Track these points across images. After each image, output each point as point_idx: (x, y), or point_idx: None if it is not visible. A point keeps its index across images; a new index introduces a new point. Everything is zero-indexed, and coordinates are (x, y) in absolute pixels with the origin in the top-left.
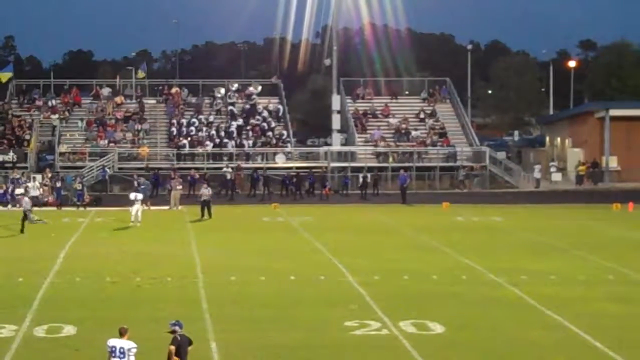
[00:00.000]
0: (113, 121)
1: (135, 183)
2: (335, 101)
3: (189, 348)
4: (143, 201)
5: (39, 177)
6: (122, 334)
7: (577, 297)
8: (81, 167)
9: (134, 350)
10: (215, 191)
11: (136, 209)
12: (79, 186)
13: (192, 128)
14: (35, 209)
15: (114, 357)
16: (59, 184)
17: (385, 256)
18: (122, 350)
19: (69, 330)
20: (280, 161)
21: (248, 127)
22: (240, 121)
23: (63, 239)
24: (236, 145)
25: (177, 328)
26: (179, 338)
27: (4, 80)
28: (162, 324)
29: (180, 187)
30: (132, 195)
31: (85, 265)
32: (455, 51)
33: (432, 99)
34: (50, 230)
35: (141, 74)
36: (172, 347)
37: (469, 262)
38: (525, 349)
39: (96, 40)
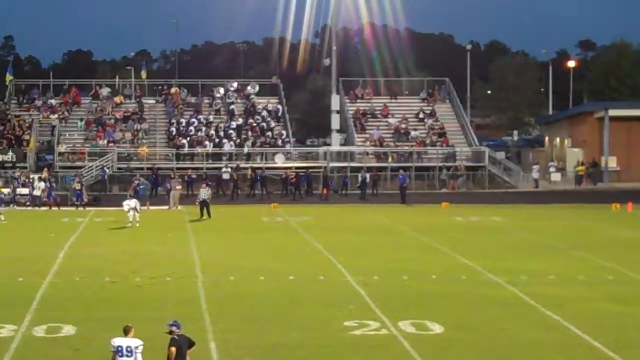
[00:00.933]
0: (112, 121)
1: (136, 182)
2: (335, 101)
3: (192, 349)
4: (142, 201)
5: (38, 176)
6: (126, 332)
7: (577, 297)
8: (80, 167)
9: (141, 347)
10: (214, 191)
11: (132, 214)
12: (77, 186)
13: (192, 128)
14: (40, 209)
15: (121, 356)
16: (53, 184)
17: (385, 256)
18: (129, 348)
19: (68, 330)
20: (279, 161)
21: (247, 127)
22: (239, 121)
23: (62, 239)
24: (235, 145)
25: (174, 328)
26: (177, 339)
27: (8, 80)
28: (162, 323)
29: (180, 187)
30: (126, 207)
31: (84, 265)
32: (455, 51)
33: (431, 99)
34: (49, 230)
35: (144, 73)
36: (173, 349)
37: (468, 262)
38: (524, 349)
39: (95, 40)
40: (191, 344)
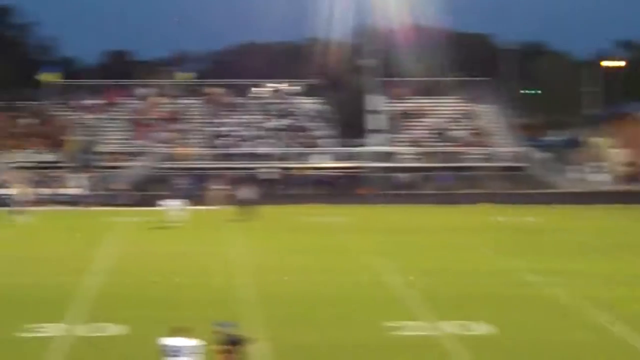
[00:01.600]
0: (153, 121)
1: (176, 183)
2: (375, 101)
3: (243, 348)
4: (185, 202)
5: (77, 176)
6: (179, 332)
7: (620, 298)
8: (121, 167)
9: (195, 348)
10: (257, 191)
11: (173, 213)
12: (119, 186)
13: (232, 128)
14: (79, 208)
15: (171, 356)
16: (93, 184)
17: (426, 256)
18: (178, 348)
19: (113, 329)
20: (320, 161)
21: (288, 128)
22: (280, 121)
23: (104, 239)
24: (276, 146)
25: (224, 328)
26: (227, 339)
27: (49, 80)
28: (208, 323)
29: (222, 187)
30: (166, 204)
31: (129, 265)
32: (498, 51)
33: (473, 99)
34: (89, 230)
35: (186, 75)
36: (221, 347)
37: (510, 263)
38: (568, 350)
39: (137, 40)
40: (242, 342)
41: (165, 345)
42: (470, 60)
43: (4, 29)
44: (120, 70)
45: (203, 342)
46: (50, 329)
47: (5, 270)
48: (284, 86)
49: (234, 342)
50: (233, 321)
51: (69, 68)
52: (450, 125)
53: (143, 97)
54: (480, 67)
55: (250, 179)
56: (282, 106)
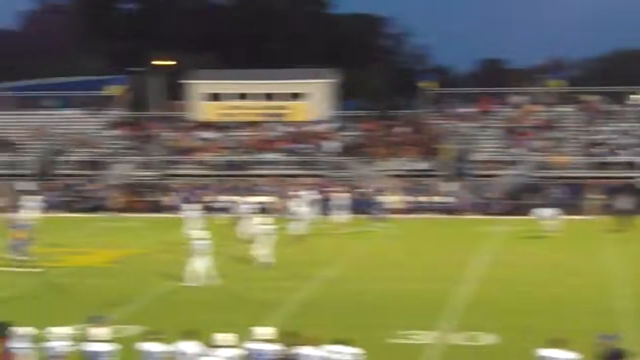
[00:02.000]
0: (527, 129)
1: (551, 192)
2: None
3: None
4: (559, 211)
5: (451, 184)
6: (558, 344)
7: None
8: (495, 176)
9: None
10: (635, 201)
11: (547, 222)
12: (493, 194)
13: (608, 136)
14: (452, 217)
15: None
16: (467, 192)
17: None
18: None
19: (485, 338)
20: None
21: None
22: None
23: (477, 247)
24: None
25: (609, 340)
26: (607, 351)
27: (426, 89)
28: (585, 335)
29: (598, 196)
30: (540, 213)
31: (501, 274)
32: None
33: None
34: (460, 238)
35: (559, 82)
36: None
37: None
38: None
39: (510, 48)
40: (624, 357)
41: (543, 357)
42: None
43: (380, 39)
44: (493, 78)
45: (581, 355)
46: (421, 336)
47: (378, 276)
48: None
49: (614, 356)
50: (617, 333)
51: (443, 76)
52: None
53: (517, 105)
54: None
55: (628, 189)
56: None
